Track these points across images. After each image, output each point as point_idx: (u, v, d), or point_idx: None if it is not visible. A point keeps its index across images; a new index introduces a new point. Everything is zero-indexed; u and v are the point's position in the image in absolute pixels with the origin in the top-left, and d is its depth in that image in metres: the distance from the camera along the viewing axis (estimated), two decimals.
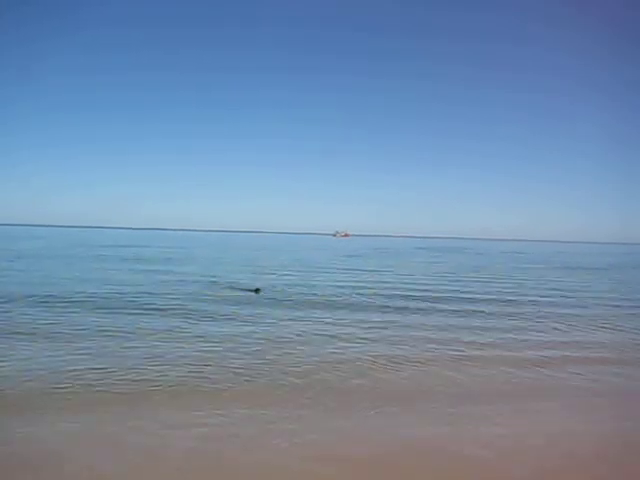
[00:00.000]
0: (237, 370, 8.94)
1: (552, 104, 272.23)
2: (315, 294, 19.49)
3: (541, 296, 21.00)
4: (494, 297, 20.10)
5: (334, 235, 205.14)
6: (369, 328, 13.21)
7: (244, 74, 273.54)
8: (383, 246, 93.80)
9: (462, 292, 21.48)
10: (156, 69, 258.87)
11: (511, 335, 12.75)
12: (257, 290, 19.24)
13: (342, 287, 22.06)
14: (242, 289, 19.86)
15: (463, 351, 10.89)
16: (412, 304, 17.47)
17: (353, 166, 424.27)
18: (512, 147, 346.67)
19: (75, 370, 8.56)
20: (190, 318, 13.66)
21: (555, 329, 13.90)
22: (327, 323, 13.65)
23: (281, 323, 13.37)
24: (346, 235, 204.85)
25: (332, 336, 12.01)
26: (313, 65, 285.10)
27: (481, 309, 16.87)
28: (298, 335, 11.96)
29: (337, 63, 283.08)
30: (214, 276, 24.74)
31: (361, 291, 20.76)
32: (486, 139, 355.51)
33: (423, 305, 17.38)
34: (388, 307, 16.87)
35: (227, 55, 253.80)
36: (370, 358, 10.05)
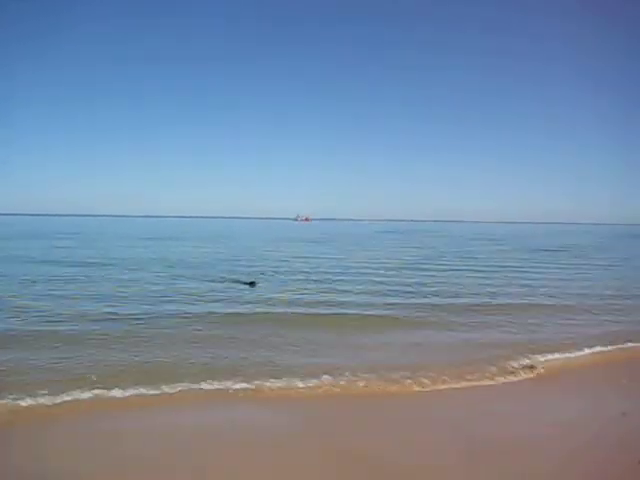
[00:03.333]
0: None
1: (533, 90, 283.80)
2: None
3: None
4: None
5: (295, 219, 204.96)
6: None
7: (212, 63, 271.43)
8: (351, 231, 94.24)
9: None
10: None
11: None
12: (252, 283, 18.54)
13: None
14: (237, 282, 19.07)
15: None
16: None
17: (312, 151, 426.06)
18: (480, 131, 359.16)
19: None
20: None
21: None
22: None
23: None
24: (307, 219, 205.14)
25: None
26: (283, 52, 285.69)
27: None
28: None
29: (315, 51, 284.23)
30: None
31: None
32: (454, 122, 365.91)
33: None
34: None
35: (200, 44, 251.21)
36: None
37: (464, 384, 8.35)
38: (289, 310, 13.96)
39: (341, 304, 15.07)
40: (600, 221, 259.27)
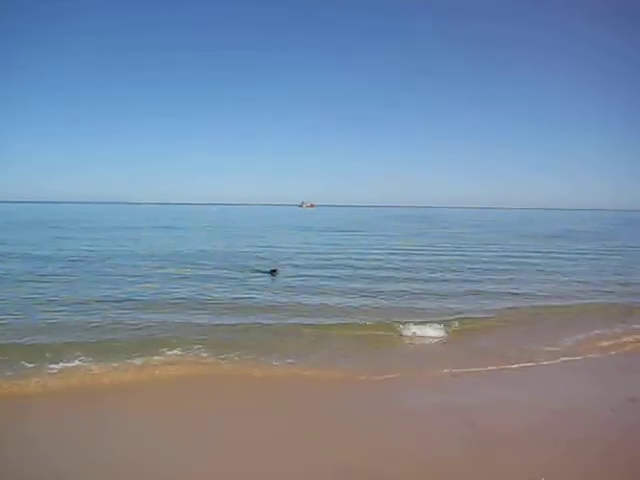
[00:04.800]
0: None
1: (527, 77, 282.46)
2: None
3: None
4: None
5: (300, 206, 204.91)
6: None
7: (214, 52, 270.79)
8: (359, 218, 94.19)
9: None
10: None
11: None
12: (273, 272, 18.66)
13: None
14: (257, 270, 19.26)
15: None
16: None
17: (316, 138, 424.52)
18: (478, 118, 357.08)
19: None
20: None
21: None
22: None
23: None
24: (312, 205, 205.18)
25: None
26: (289, 43, 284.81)
27: None
28: None
29: (315, 40, 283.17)
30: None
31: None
32: (451, 110, 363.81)
33: None
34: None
35: (205, 33, 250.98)
36: None
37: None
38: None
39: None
40: (586, 207, 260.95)
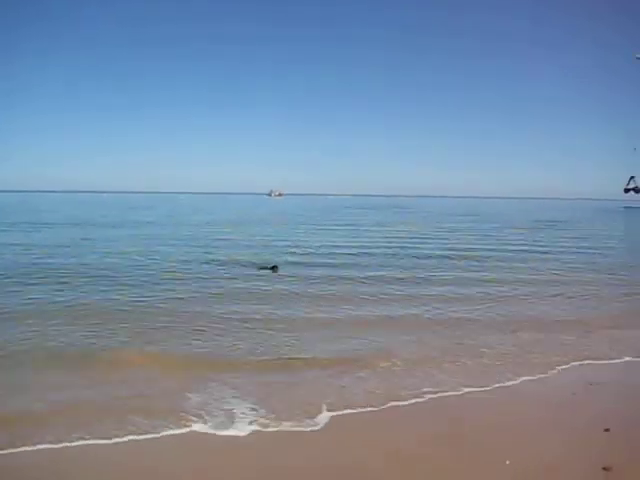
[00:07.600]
0: None
1: (516, 70, 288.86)
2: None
3: None
4: None
5: (269, 195, 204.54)
6: None
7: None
8: (329, 205, 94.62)
9: None
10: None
11: None
12: (274, 268, 19.01)
13: None
14: (257, 266, 19.58)
15: None
16: None
17: (283, 128, 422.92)
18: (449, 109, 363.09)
19: None
20: None
21: None
22: None
23: None
24: (280, 194, 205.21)
25: None
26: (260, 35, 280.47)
27: None
28: None
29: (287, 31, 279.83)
30: None
31: None
32: (435, 103, 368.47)
33: None
34: None
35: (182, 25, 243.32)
36: None
37: None
38: None
39: None
40: (563, 196, 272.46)
